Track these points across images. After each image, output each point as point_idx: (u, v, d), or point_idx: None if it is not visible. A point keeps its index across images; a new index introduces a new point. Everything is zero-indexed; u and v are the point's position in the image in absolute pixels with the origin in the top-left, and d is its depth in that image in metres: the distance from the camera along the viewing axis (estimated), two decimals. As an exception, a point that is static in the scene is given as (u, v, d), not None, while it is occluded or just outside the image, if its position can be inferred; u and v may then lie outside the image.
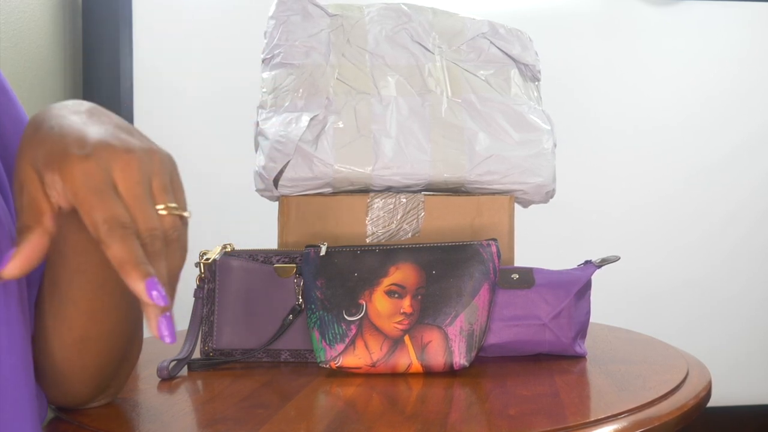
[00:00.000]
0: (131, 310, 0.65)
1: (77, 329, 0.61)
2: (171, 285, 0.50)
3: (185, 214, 0.52)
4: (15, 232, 0.60)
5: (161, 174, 0.51)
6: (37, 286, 0.63)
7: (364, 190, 0.99)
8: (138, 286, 0.47)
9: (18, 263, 0.48)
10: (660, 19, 2.07)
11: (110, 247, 0.47)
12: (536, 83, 1.08)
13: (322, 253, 0.84)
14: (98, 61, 1.73)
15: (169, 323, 0.48)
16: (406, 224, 0.97)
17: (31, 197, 0.49)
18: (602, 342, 0.96)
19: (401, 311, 0.80)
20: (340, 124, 0.98)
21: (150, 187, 0.50)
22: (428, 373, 0.80)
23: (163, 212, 0.50)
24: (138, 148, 0.51)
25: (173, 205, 0.51)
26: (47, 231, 0.49)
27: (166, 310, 0.48)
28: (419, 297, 0.80)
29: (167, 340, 0.48)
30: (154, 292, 0.47)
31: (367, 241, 0.97)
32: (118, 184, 0.49)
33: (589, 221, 2.03)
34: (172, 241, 0.50)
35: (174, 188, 0.52)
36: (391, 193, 0.99)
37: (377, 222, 0.97)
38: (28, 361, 0.58)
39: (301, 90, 0.99)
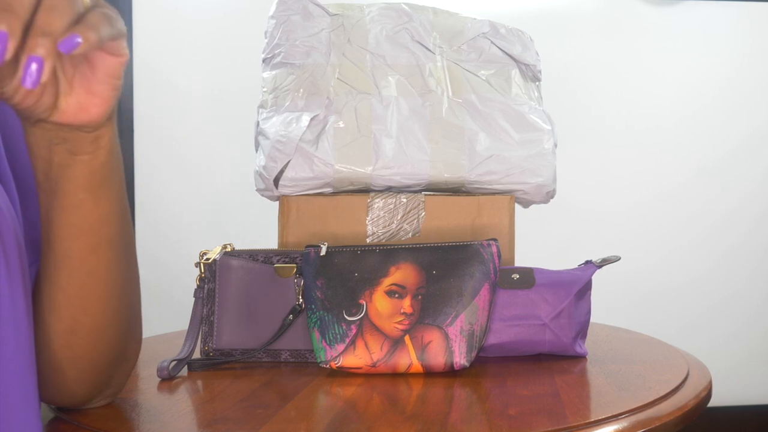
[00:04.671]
0: (125, 304, 0.64)
1: (66, 318, 0.60)
2: (43, 34, 0.45)
3: None
4: (17, 222, 0.60)
5: None
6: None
7: (365, 190, 0.99)
8: None
9: None
10: (661, 19, 2.07)
11: None
12: (537, 83, 1.07)
13: (323, 253, 0.84)
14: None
15: (38, 69, 0.45)
16: (407, 224, 0.97)
17: None
18: (602, 342, 0.96)
19: (401, 311, 0.80)
20: (341, 124, 0.98)
21: None
22: (428, 373, 0.80)
23: None
24: None
25: None
26: None
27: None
28: (419, 297, 0.80)
29: (27, 83, 0.45)
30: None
31: (368, 241, 0.97)
32: None
33: (590, 221, 2.03)
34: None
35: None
36: (391, 193, 0.99)
37: (377, 222, 0.97)
38: (33, 364, 0.58)
39: (301, 90, 0.99)
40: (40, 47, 0.45)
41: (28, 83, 0.45)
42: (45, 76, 0.45)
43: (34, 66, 0.45)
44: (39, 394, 0.59)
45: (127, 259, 0.63)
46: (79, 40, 0.46)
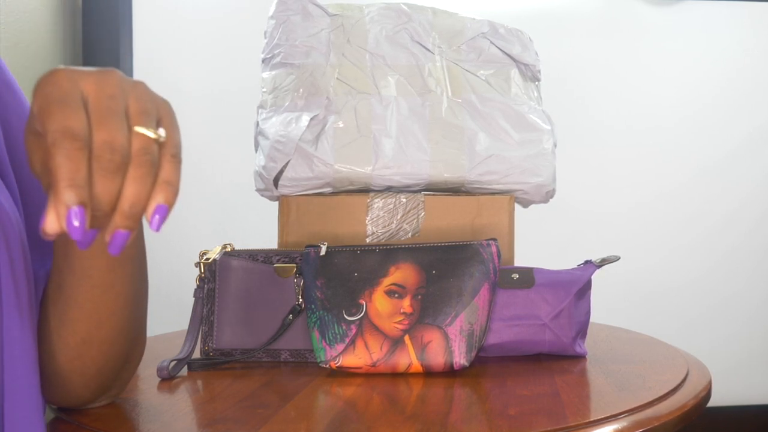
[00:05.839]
0: (136, 315, 0.65)
1: (81, 332, 0.61)
2: (132, 213, 0.44)
3: (159, 135, 0.46)
4: (21, 220, 0.60)
5: (144, 99, 0.46)
6: (42, 289, 0.63)
7: (364, 190, 0.99)
8: (59, 208, 0.41)
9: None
10: (660, 19, 2.07)
11: (53, 158, 0.41)
12: (536, 83, 1.08)
13: (322, 253, 0.84)
14: (98, 61, 1.73)
15: (123, 240, 0.44)
16: (406, 224, 0.97)
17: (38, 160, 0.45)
18: (602, 342, 0.96)
19: (401, 311, 0.80)
20: (340, 124, 0.98)
21: (125, 106, 0.45)
22: (428, 373, 0.80)
23: (140, 131, 0.45)
24: (120, 73, 0.46)
25: (148, 129, 0.45)
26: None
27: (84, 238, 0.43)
28: (419, 297, 0.80)
29: (114, 252, 0.44)
30: (75, 222, 0.41)
31: (367, 241, 0.97)
32: (88, 96, 0.44)
33: (590, 221, 2.03)
34: (141, 163, 0.44)
35: (164, 123, 0.47)
36: (391, 193, 0.99)
37: (377, 222, 0.97)
38: (37, 364, 0.58)
39: (301, 90, 0.99)
40: (129, 225, 0.44)
41: (115, 253, 0.45)
42: (129, 242, 0.44)
43: (120, 238, 0.44)
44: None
45: (141, 272, 0.63)
46: (165, 208, 0.45)
